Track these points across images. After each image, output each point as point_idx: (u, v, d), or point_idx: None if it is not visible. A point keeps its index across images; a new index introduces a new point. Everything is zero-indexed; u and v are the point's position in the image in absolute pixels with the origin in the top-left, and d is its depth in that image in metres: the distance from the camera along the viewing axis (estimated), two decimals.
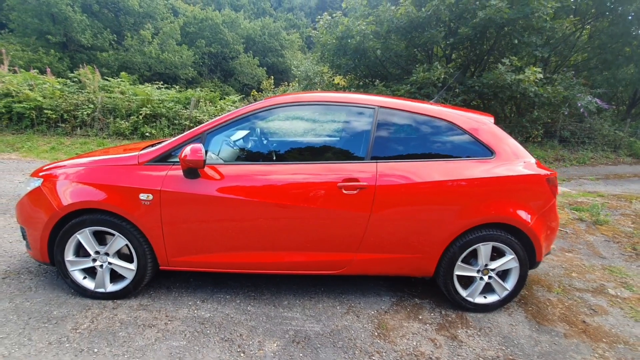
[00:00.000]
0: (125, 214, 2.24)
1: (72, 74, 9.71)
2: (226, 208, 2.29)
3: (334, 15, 11.43)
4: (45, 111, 8.53)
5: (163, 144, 2.38)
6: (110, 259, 2.37)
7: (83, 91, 9.37)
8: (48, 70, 10.86)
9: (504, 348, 2.20)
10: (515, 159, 2.45)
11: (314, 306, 2.50)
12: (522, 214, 2.39)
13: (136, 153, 2.39)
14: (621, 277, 3.25)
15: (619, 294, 2.94)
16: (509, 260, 2.45)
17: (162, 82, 11.28)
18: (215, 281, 2.72)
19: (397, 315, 2.46)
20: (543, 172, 2.45)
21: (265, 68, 33.06)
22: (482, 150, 2.44)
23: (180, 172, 2.26)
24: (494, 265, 2.46)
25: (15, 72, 9.78)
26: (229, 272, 2.47)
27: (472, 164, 2.40)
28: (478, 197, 2.35)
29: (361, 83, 13.50)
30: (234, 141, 2.80)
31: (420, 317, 2.45)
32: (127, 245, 2.34)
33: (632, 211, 5.36)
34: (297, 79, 18.86)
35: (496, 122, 2.61)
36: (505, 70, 8.91)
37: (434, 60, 11.62)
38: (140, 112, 8.99)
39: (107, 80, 9.86)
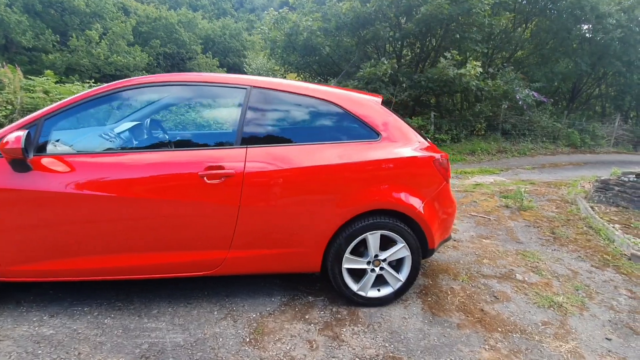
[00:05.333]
0: None
1: None
2: (70, 206, 1.95)
3: (281, 11, 11.21)
4: None
5: None
6: None
7: (2, 92, 8.50)
8: None
9: (387, 345, 2.01)
10: (402, 141, 2.29)
11: (188, 313, 2.21)
12: (409, 199, 2.23)
13: None
14: (533, 261, 3.21)
15: (526, 279, 2.87)
16: (399, 249, 2.28)
17: None
18: (81, 291, 2.35)
19: (281, 317, 2.22)
20: (429, 154, 2.30)
21: (226, 69, 32.23)
22: (367, 132, 2.26)
23: (7, 165, 1.89)
24: (384, 255, 2.29)
25: None
26: (81, 280, 2.13)
27: (354, 147, 2.21)
28: (360, 183, 2.17)
29: (315, 81, 13.39)
30: (118, 133, 2.48)
31: (306, 317, 2.23)
32: None
33: (559, 196, 5.49)
34: None
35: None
36: (447, 64, 9.05)
37: (387, 57, 11.70)
38: None
39: (30, 79, 9.02)
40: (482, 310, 2.40)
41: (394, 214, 2.26)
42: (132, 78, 2.11)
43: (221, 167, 2.01)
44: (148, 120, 2.72)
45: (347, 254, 2.24)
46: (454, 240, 3.62)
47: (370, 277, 2.30)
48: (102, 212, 1.95)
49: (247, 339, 1.99)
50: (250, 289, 2.49)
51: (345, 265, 2.26)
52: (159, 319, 2.14)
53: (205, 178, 1.99)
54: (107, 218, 1.97)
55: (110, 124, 2.68)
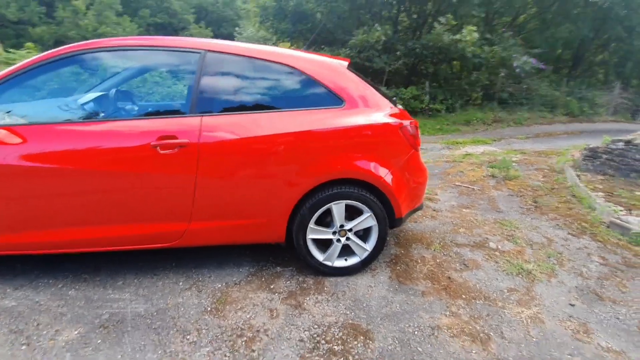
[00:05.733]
0: None
1: None
2: (17, 179, 1.89)
3: None
4: None
5: None
6: None
7: None
8: None
9: (348, 312, 2.02)
10: (368, 108, 2.20)
11: (153, 284, 2.21)
12: (373, 168, 2.17)
13: None
14: (510, 229, 3.19)
15: (499, 247, 2.86)
16: (365, 219, 2.25)
17: None
18: (49, 265, 2.35)
19: (246, 287, 2.22)
20: (395, 121, 2.21)
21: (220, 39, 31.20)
22: (330, 98, 2.16)
23: None
24: (350, 225, 2.26)
25: None
26: (39, 253, 2.11)
27: (316, 114, 2.12)
28: (322, 151, 2.10)
29: (310, 50, 12.94)
30: (82, 104, 2.39)
31: (272, 287, 2.23)
32: None
33: (547, 166, 5.42)
34: None
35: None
36: (442, 30, 8.68)
37: (382, 23, 11.22)
38: None
39: (10, 52, 8.76)
40: (450, 278, 2.40)
41: (359, 183, 2.20)
42: (75, 44, 1.99)
43: (174, 137, 1.94)
44: (114, 90, 2.63)
45: (311, 224, 2.21)
46: (433, 210, 3.60)
47: (336, 247, 2.29)
48: (54, 184, 1.90)
49: (209, 308, 2.00)
50: (219, 260, 2.49)
51: (310, 235, 2.24)
52: (124, 290, 2.15)
53: (158, 148, 1.92)
54: (61, 191, 1.92)
55: (73, 95, 2.59)
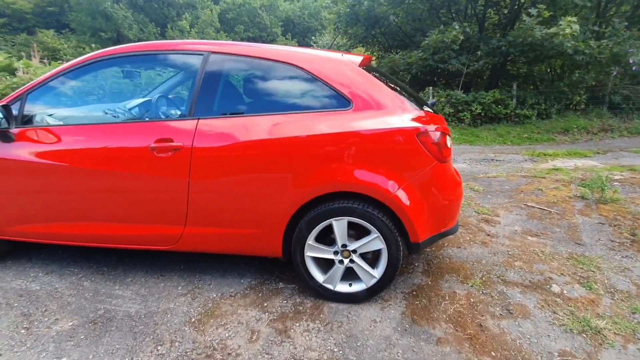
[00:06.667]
0: None
1: None
2: (29, 174, 2.09)
3: None
4: None
5: None
6: None
7: None
8: None
9: (336, 350, 1.73)
10: (380, 111, 1.88)
11: (155, 285, 2.23)
12: (380, 181, 1.84)
13: None
14: (586, 269, 2.47)
15: (565, 292, 2.22)
16: (372, 240, 1.93)
17: None
18: (82, 254, 2.57)
19: (240, 301, 2.09)
20: (412, 125, 1.84)
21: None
22: (336, 100, 1.91)
23: None
24: (354, 245, 1.96)
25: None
26: (49, 243, 2.28)
27: (318, 117, 1.89)
28: (319, 159, 1.85)
29: (384, 55, 12.54)
30: (129, 108, 2.60)
31: (265, 305, 2.06)
32: None
33: None
34: None
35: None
36: (533, 22, 7.49)
37: (465, 21, 10.27)
38: None
39: None
40: (481, 325, 1.91)
41: (365, 198, 1.90)
42: (83, 56, 2.13)
43: (170, 140, 1.92)
44: (156, 96, 2.79)
45: (309, 241, 1.97)
46: (487, 234, 3.01)
47: (338, 269, 2.01)
48: (62, 181, 2.04)
49: (193, 320, 1.92)
50: (224, 268, 2.42)
51: (309, 253, 2.01)
52: (129, 287, 2.21)
53: (155, 152, 1.92)
54: (68, 187, 2.06)
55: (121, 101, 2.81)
